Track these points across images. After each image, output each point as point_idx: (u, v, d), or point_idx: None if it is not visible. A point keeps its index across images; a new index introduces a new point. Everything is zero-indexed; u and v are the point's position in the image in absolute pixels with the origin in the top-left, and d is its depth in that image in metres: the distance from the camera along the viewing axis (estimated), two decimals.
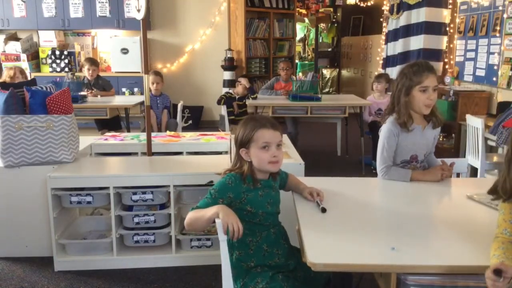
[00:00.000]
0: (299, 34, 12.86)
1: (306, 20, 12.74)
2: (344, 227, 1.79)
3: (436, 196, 2.23)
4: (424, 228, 1.77)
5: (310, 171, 3.03)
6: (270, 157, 1.86)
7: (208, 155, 3.68)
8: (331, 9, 12.00)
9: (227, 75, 7.71)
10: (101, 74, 6.44)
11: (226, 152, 3.75)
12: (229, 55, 7.73)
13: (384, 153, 2.37)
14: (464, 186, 2.32)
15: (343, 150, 6.07)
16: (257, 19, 8.11)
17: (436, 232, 1.76)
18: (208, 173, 3.01)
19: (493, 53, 5.34)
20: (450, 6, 6.24)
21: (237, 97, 5.66)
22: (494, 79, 5.18)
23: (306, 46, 13.91)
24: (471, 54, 5.87)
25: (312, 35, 13.29)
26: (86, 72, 5.83)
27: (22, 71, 5.33)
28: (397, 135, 2.35)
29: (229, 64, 7.69)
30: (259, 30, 8.14)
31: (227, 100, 5.62)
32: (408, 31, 6.42)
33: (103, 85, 5.95)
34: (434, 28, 6.23)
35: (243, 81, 5.57)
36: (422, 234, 1.73)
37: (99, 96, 5.75)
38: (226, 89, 7.63)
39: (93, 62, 5.89)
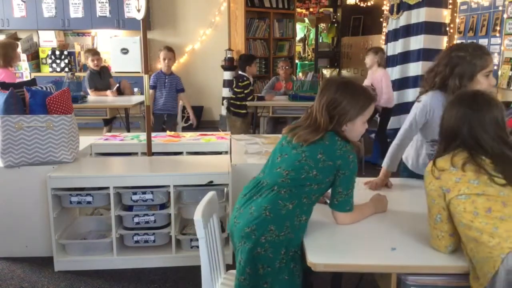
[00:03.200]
0: (299, 34, 12.85)
1: (306, 20, 12.74)
2: (344, 227, 1.79)
3: None
4: (424, 228, 1.77)
5: None
6: (362, 131, 1.90)
7: (208, 155, 3.68)
8: (331, 9, 12.00)
9: (227, 75, 7.71)
10: None
11: (226, 152, 3.75)
12: (229, 55, 7.73)
13: (407, 125, 2.34)
14: None
15: None
16: (257, 19, 8.10)
17: None
18: (208, 173, 3.01)
19: (493, 53, 5.33)
20: (450, 6, 6.23)
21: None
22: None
23: (306, 46, 13.91)
24: None
25: (312, 35, 13.29)
26: (90, 63, 5.77)
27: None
28: (431, 112, 2.25)
29: (229, 64, 7.68)
30: (259, 30, 8.14)
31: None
32: (408, 31, 6.41)
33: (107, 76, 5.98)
34: (434, 28, 6.22)
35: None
36: (423, 234, 1.73)
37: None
38: (226, 89, 7.65)
39: (95, 52, 5.89)
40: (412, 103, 6.45)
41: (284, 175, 1.76)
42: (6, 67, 4.62)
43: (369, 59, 5.26)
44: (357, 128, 1.83)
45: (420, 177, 2.41)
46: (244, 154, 3.41)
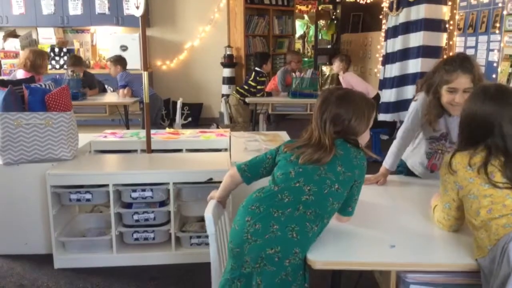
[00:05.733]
0: (299, 31, 12.84)
1: (306, 17, 12.74)
2: (343, 225, 1.79)
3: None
4: (423, 226, 1.77)
5: None
6: (369, 136, 1.90)
7: (208, 153, 3.67)
8: (331, 6, 11.98)
9: (227, 72, 7.70)
10: (100, 71, 6.41)
11: (225, 150, 3.74)
12: (228, 52, 7.72)
13: (404, 127, 2.35)
14: None
15: None
16: (256, 16, 8.09)
17: (436, 230, 1.75)
18: (207, 171, 3.01)
19: (492, 50, 5.32)
20: (449, 3, 6.22)
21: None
22: (494, 76, 5.16)
23: (306, 43, 13.89)
24: (470, 51, 5.84)
25: (312, 32, 13.27)
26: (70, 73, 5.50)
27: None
28: (424, 113, 2.25)
29: (229, 61, 7.68)
30: (258, 27, 8.13)
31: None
32: (407, 28, 6.40)
33: (88, 81, 5.85)
34: (433, 25, 6.21)
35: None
36: (422, 232, 1.73)
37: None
38: (226, 87, 7.64)
39: (73, 62, 5.67)
40: (410, 100, 6.50)
41: (306, 191, 1.68)
42: (31, 72, 4.73)
43: (335, 66, 5.80)
44: (365, 136, 1.83)
45: (420, 174, 2.42)
46: (243, 152, 3.41)
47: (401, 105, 6.49)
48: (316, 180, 1.68)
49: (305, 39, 13.87)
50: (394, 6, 6.62)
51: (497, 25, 5.19)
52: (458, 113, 2.13)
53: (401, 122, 6.28)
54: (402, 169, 2.49)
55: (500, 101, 1.60)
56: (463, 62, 2.12)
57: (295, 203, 1.66)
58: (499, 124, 1.57)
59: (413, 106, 2.32)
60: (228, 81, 7.66)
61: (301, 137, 1.84)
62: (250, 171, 1.91)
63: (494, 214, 1.48)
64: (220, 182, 2.98)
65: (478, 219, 1.51)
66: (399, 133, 2.36)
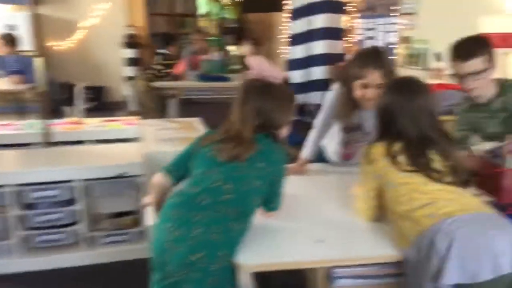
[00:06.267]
0: (203, 9, 12.56)
1: None
2: (270, 222, 1.76)
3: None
4: (347, 216, 1.80)
5: None
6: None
7: (116, 143, 3.46)
8: None
9: (130, 53, 7.33)
10: None
11: (135, 139, 3.55)
12: (130, 32, 7.33)
13: (321, 117, 2.36)
14: None
15: None
16: None
17: (360, 221, 1.78)
18: (118, 164, 2.83)
19: (390, 32, 5.61)
20: None
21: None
22: (392, 57, 5.45)
23: (209, 21, 13.65)
24: (370, 33, 6.11)
25: (216, 10, 13.07)
26: None
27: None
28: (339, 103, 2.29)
29: (131, 41, 7.30)
30: (160, 4, 7.80)
31: None
32: (311, 9, 6.49)
33: None
34: (335, 6, 6.35)
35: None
36: (347, 223, 1.75)
37: None
38: (130, 69, 7.28)
39: None
40: (317, 81, 6.63)
41: (226, 190, 1.61)
42: None
43: (245, 48, 5.65)
44: (284, 130, 1.79)
45: (335, 163, 2.47)
46: (156, 141, 3.24)
47: (309, 86, 6.63)
48: (237, 178, 1.63)
49: (209, 17, 13.62)
50: None
51: (395, 7, 5.45)
52: (370, 107, 2.20)
53: (310, 104, 6.47)
54: (320, 157, 2.52)
55: (403, 92, 1.69)
56: (375, 58, 2.16)
57: (216, 204, 1.59)
58: (399, 112, 1.67)
59: (329, 97, 2.34)
60: (132, 62, 7.30)
61: (219, 129, 1.77)
62: (179, 169, 1.83)
63: (415, 203, 1.52)
64: (133, 176, 2.86)
65: (400, 208, 1.56)
66: (317, 123, 2.37)
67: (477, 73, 2.00)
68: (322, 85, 6.56)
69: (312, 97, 6.60)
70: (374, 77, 2.11)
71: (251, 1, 11.45)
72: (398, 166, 1.60)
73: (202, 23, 12.56)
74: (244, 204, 1.62)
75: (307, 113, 6.46)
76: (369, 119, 2.29)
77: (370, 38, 6.12)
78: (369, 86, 2.12)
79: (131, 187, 2.93)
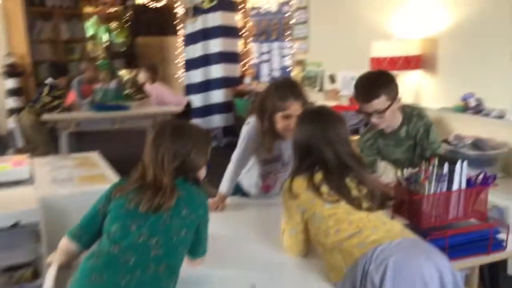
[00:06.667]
0: (88, 33, 12.01)
1: (94, 18, 11.96)
2: (196, 275, 1.64)
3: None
4: (276, 254, 1.74)
5: None
6: None
7: (5, 188, 3.08)
8: (122, 8, 11.50)
9: (11, 83, 6.72)
10: None
11: (28, 181, 3.20)
12: (9, 61, 6.74)
13: (241, 148, 2.28)
14: None
15: None
16: (41, 19, 7.25)
17: (289, 257, 1.74)
18: (9, 213, 2.51)
19: (285, 56, 5.80)
20: (242, 11, 6.55)
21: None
22: None
23: (96, 45, 13.08)
24: (265, 56, 6.27)
25: (101, 33, 12.58)
26: None
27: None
28: (256, 138, 2.23)
29: (12, 71, 6.70)
30: (45, 31, 7.30)
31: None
32: (206, 34, 6.53)
33: None
34: (229, 31, 6.48)
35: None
36: (277, 261, 1.70)
37: None
38: (11, 100, 6.67)
39: None
40: (217, 104, 6.63)
41: (153, 244, 1.46)
42: None
43: (142, 76, 5.56)
44: (203, 171, 1.69)
45: (254, 196, 2.43)
46: (52, 183, 2.96)
47: (209, 110, 6.61)
48: (162, 230, 1.49)
49: (95, 41, 13.06)
50: (191, 13, 6.68)
51: (288, 32, 5.66)
52: (290, 137, 2.18)
53: (212, 128, 6.43)
54: (237, 190, 2.46)
55: (318, 122, 1.71)
56: (294, 89, 2.17)
57: (144, 262, 1.44)
58: (316, 143, 1.67)
59: (245, 130, 2.28)
60: (14, 93, 6.70)
61: (132, 176, 1.62)
62: (87, 232, 1.61)
63: (343, 234, 1.53)
64: (27, 225, 2.55)
65: (329, 240, 1.55)
66: (234, 157, 2.30)
67: (380, 111, 2.08)
68: (222, 108, 6.59)
69: (213, 121, 6.59)
70: (296, 107, 2.11)
71: (139, 25, 11.22)
72: (323, 197, 1.59)
73: (90, 48, 12.06)
74: (173, 257, 1.49)
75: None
76: (287, 149, 2.30)
77: (266, 61, 6.27)
78: (291, 117, 2.10)
79: (27, 236, 2.63)
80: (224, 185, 2.26)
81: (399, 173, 1.72)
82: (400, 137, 2.22)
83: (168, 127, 1.62)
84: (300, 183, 1.65)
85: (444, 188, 1.62)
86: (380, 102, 2.05)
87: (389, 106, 2.07)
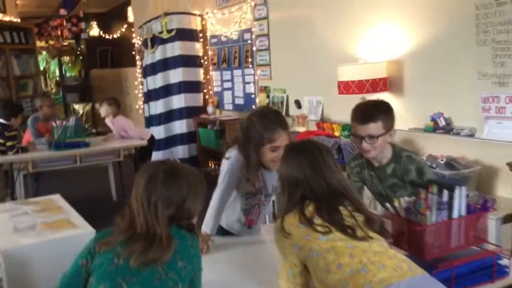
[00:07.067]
0: (41, 68, 11.63)
1: (44, 52, 11.62)
2: None
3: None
4: None
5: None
6: None
7: None
8: (74, 41, 11.24)
9: None
10: None
11: None
12: None
13: (224, 185, 2.14)
14: None
15: (120, 194, 5.61)
16: None
17: None
18: None
19: (248, 83, 5.76)
20: (201, 40, 6.49)
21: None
22: (254, 106, 5.56)
23: (48, 80, 12.68)
24: (228, 84, 6.21)
25: (53, 67, 12.22)
26: None
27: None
28: (240, 170, 2.12)
29: None
30: None
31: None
32: (166, 64, 6.42)
33: None
34: (190, 61, 6.40)
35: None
36: None
37: None
38: None
39: None
40: (179, 135, 6.50)
41: None
42: None
43: (103, 110, 5.40)
44: (196, 217, 1.57)
45: (233, 234, 2.29)
46: (14, 233, 2.71)
47: (172, 141, 6.46)
48: (157, 286, 1.34)
49: (47, 75, 12.66)
50: (149, 43, 6.56)
51: (249, 59, 5.63)
52: (276, 167, 2.09)
53: (175, 159, 6.27)
54: (217, 229, 2.32)
55: (301, 154, 1.64)
56: (280, 119, 2.09)
57: None
58: (304, 176, 1.59)
59: (226, 165, 2.15)
60: None
61: (118, 226, 1.47)
62: None
63: (346, 269, 1.42)
64: None
65: (331, 278, 1.43)
66: (216, 195, 2.16)
67: (372, 137, 2.05)
68: (185, 139, 6.45)
69: (177, 152, 6.44)
70: (284, 138, 2.05)
71: (93, 57, 10.98)
72: (317, 230, 1.49)
73: (42, 83, 11.66)
74: None
75: None
76: (272, 180, 2.22)
77: (228, 89, 6.21)
78: (278, 149, 2.02)
79: None
80: (209, 225, 2.11)
81: (396, 203, 1.64)
82: (386, 173, 2.18)
83: (160, 172, 1.48)
84: (291, 220, 1.55)
85: (445, 217, 1.56)
86: (375, 127, 2.03)
87: (383, 134, 2.04)
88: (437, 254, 1.56)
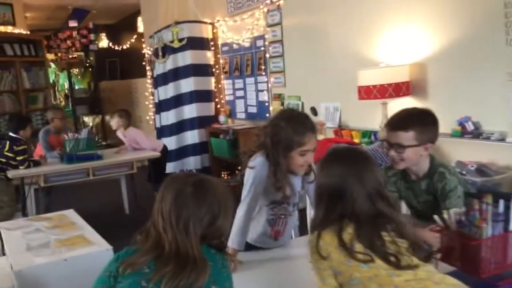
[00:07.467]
0: (50, 81, 11.62)
1: (53, 65, 11.62)
2: None
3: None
4: None
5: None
6: None
7: None
8: (83, 53, 11.23)
9: None
10: None
11: None
12: None
13: (247, 200, 2.02)
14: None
15: (134, 206, 5.48)
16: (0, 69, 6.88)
17: None
18: None
19: (262, 91, 5.63)
20: (212, 48, 6.40)
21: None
22: (267, 115, 5.44)
23: (57, 93, 12.68)
24: (240, 93, 6.09)
25: (62, 80, 12.20)
26: None
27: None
28: (266, 179, 2.00)
29: None
30: (4, 81, 6.92)
31: None
32: (177, 74, 6.33)
33: None
34: (201, 70, 6.31)
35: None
36: None
37: None
38: None
39: None
40: (191, 146, 6.40)
41: None
42: None
43: (114, 122, 5.31)
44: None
45: (258, 248, 2.15)
46: (27, 251, 2.59)
47: (183, 152, 6.35)
48: None
49: (56, 88, 12.65)
50: (160, 53, 6.48)
51: (262, 67, 5.51)
52: (302, 173, 2.04)
53: (187, 169, 6.16)
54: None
55: (348, 162, 1.47)
56: (308, 121, 1.98)
57: None
58: (349, 188, 1.41)
59: (252, 175, 2.01)
60: None
61: (142, 244, 1.33)
62: None
63: None
64: None
65: None
66: (244, 207, 2.02)
67: (401, 146, 1.91)
68: (197, 149, 6.33)
69: (189, 163, 6.32)
70: (313, 142, 1.95)
71: (103, 69, 10.95)
72: (357, 258, 1.32)
73: (52, 95, 11.64)
74: None
75: None
76: (298, 185, 2.11)
77: (241, 97, 6.09)
78: (308, 153, 1.94)
79: None
80: (236, 239, 1.96)
81: (445, 215, 1.49)
82: (420, 188, 2.04)
83: (189, 186, 1.34)
84: (329, 239, 1.38)
85: (501, 229, 1.41)
86: (405, 137, 1.87)
87: (414, 146, 1.89)
88: (493, 271, 1.41)
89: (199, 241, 1.29)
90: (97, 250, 2.51)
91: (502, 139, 3.05)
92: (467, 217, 1.41)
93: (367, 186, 1.41)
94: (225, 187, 1.43)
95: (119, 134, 5.29)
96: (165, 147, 5.44)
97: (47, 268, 2.35)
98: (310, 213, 2.34)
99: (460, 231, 1.44)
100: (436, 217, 1.54)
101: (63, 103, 12.50)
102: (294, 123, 1.95)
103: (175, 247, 1.27)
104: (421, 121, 1.94)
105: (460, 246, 1.43)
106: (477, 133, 3.19)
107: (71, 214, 3.30)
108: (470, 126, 3.23)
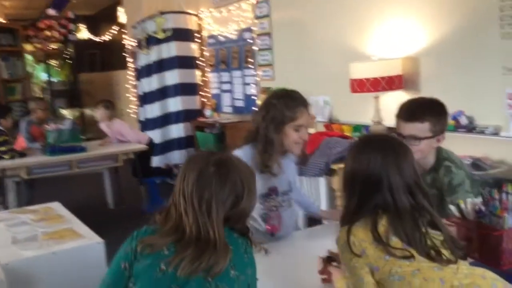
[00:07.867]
0: (29, 72, 11.28)
1: (29, 56, 11.29)
2: None
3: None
4: None
5: None
6: None
7: None
8: (62, 44, 10.92)
9: None
10: None
11: None
12: None
13: None
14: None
15: (119, 201, 5.35)
16: None
17: None
18: None
19: (249, 84, 5.56)
20: (198, 40, 6.29)
21: None
22: (255, 108, 5.37)
23: (33, 85, 12.32)
24: (226, 86, 6.00)
25: (38, 71, 11.88)
26: None
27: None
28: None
29: None
30: None
31: None
32: (161, 66, 6.20)
33: None
34: (186, 62, 6.19)
35: None
36: None
37: None
38: None
39: None
40: (177, 139, 6.28)
41: None
42: None
43: (99, 114, 5.15)
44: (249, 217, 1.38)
45: (261, 242, 2.08)
46: (13, 245, 2.48)
47: (168, 145, 6.23)
48: None
49: (31, 80, 12.30)
50: (144, 44, 6.34)
51: (250, 60, 5.43)
52: (297, 152, 2.02)
53: (172, 165, 6.06)
54: None
55: (384, 149, 1.36)
56: (300, 96, 2.01)
57: None
58: (386, 176, 1.32)
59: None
60: None
61: (161, 226, 1.27)
62: None
63: None
64: None
65: None
66: None
67: (414, 138, 1.86)
68: (182, 143, 6.22)
69: (174, 157, 6.20)
70: (307, 117, 1.97)
71: (82, 61, 10.68)
72: (396, 255, 1.24)
73: (31, 87, 11.31)
74: None
75: (173, 175, 6.02)
76: (289, 167, 2.11)
77: (227, 91, 6.01)
78: (301, 128, 1.95)
79: None
80: None
81: (462, 205, 1.46)
82: (426, 182, 1.95)
83: (211, 165, 1.27)
84: (362, 234, 1.29)
85: None
86: (421, 128, 1.83)
87: (428, 138, 1.84)
88: None
89: (221, 223, 1.23)
90: (87, 243, 2.43)
91: (496, 133, 3.05)
92: (487, 207, 1.38)
93: (406, 177, 1.33)
94: (247, 166, 1.37)
95: (103, 126, 5.16)
96: (151, 139, 5.33)
97: (36, 261, 2.27)
98: None
99: (479, 221, 1.40)
100: (452, 207, 1.51)
101: (39, 95, 12.17)
102: (286, 99, 1.96)
103: (196, 230, 1.21)
104: (436, 112, 1.90)
105: (480, 236, 1.39)
106: (470, 127, 3.19)
107: (57, 206, 3.19)
108: (463, 120, 3.23)
